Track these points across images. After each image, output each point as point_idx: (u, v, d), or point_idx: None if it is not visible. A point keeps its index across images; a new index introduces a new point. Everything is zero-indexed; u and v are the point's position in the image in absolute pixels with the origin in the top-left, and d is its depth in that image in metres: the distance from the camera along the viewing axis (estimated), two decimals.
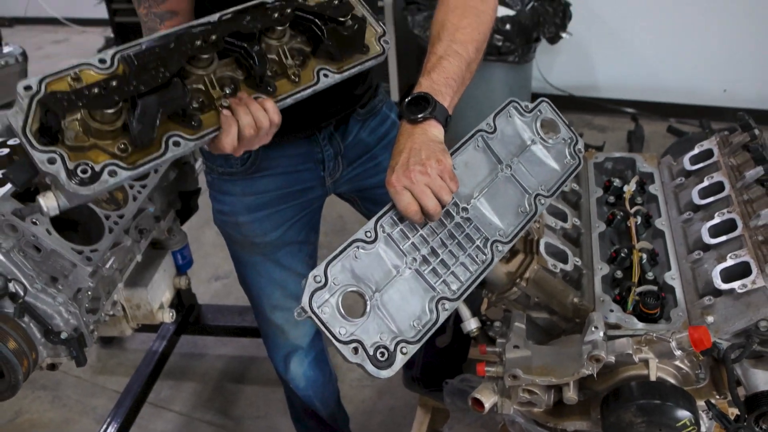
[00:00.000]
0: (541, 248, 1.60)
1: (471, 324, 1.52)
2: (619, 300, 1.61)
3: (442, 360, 2.30)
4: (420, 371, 2.45)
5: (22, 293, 1.85)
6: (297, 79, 1.46)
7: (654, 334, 1.40)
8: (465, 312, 1.51)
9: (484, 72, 4.28)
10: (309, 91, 1.47)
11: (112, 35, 6.65)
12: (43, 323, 1.89)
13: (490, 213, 1.50)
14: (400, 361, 1.27)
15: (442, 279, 1.38)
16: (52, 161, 1.14)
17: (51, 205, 1.23)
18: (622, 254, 1.72)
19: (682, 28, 4.89)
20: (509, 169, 1.57)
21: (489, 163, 1.55)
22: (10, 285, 1.85)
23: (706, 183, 1.81)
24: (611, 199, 1.94)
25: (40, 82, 1.19)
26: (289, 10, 1.44)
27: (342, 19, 1.49)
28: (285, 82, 1.45)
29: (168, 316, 2.49)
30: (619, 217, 1.85)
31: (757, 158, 1.76)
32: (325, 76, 1.50)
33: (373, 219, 1.37)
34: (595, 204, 1.91)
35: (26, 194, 1.91)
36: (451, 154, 1.47)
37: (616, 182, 1.98)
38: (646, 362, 1.41)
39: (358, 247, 1.33)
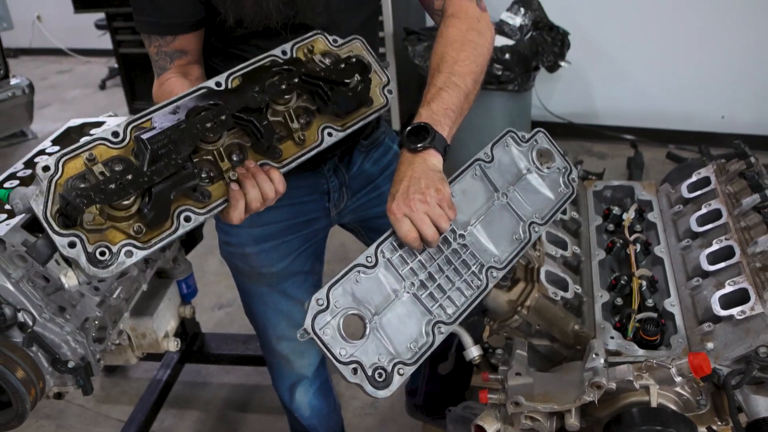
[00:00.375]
0: (542, 276, 1.63)
1: (473, 351, 1.54)
2: (620, 327, 1.63)
3: (444, 387, 2.31)
4: (423, 399, 2.46)
5: (30, 323, 1.88)
6: (302, 141, 1.51)
7: (654, 361, 1.42)
8: (467, 340, 1.53)
9: (485, 100, 4.32)
10: (314, 152, 1.52)
11: (116, 65, 6.73)
12: (50, 352, 1.92)
13: (486, 240, 1.54)
14: (397, 381, 1.31)
15: (438, 303, 1.43)
16: (72, 245, 1.19)
17: (72, 283, 1.31)
18: (622, 281, 1.75)
19: (680, 55, 4.93)
20: (505, 197, 1.61)
21: (486, 191, 1.59)
22: (19, 315, 1.87)
23: (703, 210, 1.84)
24: (610, 227, 1.97)
25: (57, 162, 1.23)
26: (296, 80, 1.48)
27: (348, 81, 1.54)
28: (290, 144, 1.49)
29: (173, 345, 2.51)
30: (618, 244, 1.87)
31: (753, 186, 1.79)
32: (329, 135, 1.54)
33: (374, 245, 1.42)
34: (595, 232, 1.94)
35: (36, 225, 1.93)
36: (450, 183, 1.52)
37: (615, 210, 2.00)
38: (647, 388, 1.42)
39: (359, 272, 1.38)
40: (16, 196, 1.28)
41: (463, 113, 1.62)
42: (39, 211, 1.19)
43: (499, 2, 4.81)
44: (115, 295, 2.13)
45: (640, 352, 1.54)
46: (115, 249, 1.23)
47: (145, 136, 1.28)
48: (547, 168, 1.70)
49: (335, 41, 1.62)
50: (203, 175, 1.37)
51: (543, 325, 1.60)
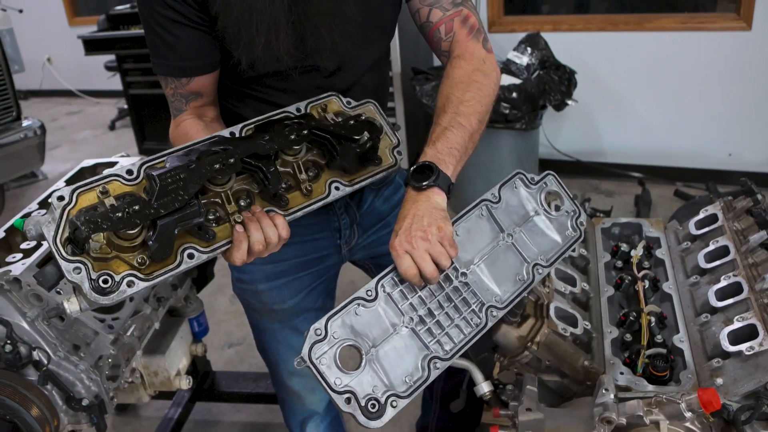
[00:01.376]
0: (552, 312, 1.65)
1: (484, 387, 1.56)
2: (629, 363, 1.64)
3: (455, 425, 2.32)
4: None
5: (45, 361, 1.90)
6: (309, 192, 1.54)
7: (664, 396, 1.43)
8: (478, 376, 1.55)
9: (492, 139, 4.35)
10: (320, 203, 1.56)
11: (125, 106, 6.80)
12: (65, 390, 1.93)
13: (489, 279, 1.55)
14: (389, 413, 1.34)
15: (436, 339, 1.44)
16: (77, 271, 1.24)
17: (74, 308, 1.33)
18: (631, 317, 1.76)
19: (687, 93, 4.96)
20: (511, 237, 1.61)
21: (491, 231, 1.60)
22: (34, 353, 1.89)
23: (711, 247, 1.86)
24: (619, 263, 1.99)
25: (72, 193, 1.28)
26: (305, 132, 1.52)
27: (357, 137, 1.57)
28: (297, 195, 1.53)
29: (185, 383, 2.51)
30: (627, 281, 1.89)
31: (760, 222, 1.82)
32: (336, 189, 1.58)
33: (375, 279, 1.45)
34: (604, 268, 1.95)
35: None
36: (455, 222, 1.54)
37: (624, 247, 2.02)
38: (656, 424, 1.42)
39: (358, 305, 1.41)
40: (30, 223, 1.33)
41: (468, 152, 1.64)
42: (49, 237, 1.23)
43: (506, 42, 4.87)
44: (128, 333, 2.15)
45: (650, 387, 1.55)
46: (117, 278, 1.27)
47: (155, 173, 1.33)
48: (556, 211, 1.71)
49: (349, 103, 1.67)
50: (210, 216, 1.41)
51: (553, 361, 1.62)
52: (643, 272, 1.91)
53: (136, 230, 1.29)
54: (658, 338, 1.72)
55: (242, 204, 1.46)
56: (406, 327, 1.43)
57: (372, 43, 1.79)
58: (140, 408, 3.47)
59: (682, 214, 4.28)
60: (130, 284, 1.28)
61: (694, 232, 1.98)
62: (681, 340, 1.68)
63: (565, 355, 1.61)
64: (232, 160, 1.40)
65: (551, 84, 4.45)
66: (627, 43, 4.99)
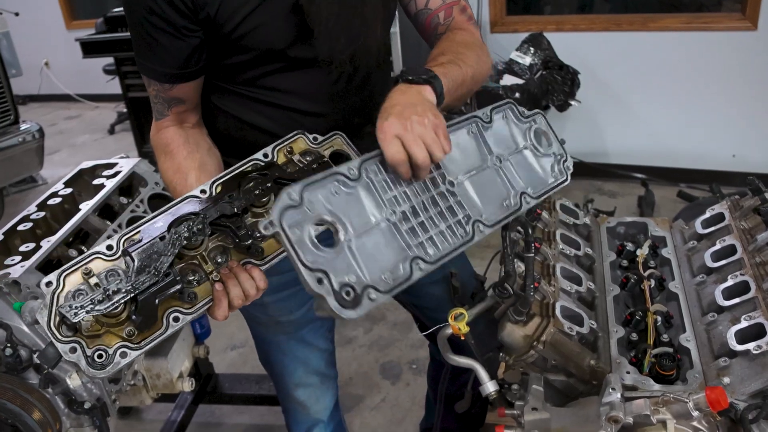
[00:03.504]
0: (557, 311, 1.63)
1: (489, 387, 1.54)
2: (635, 362, 1.62)
3: (460, 425, 2.30)
4: None
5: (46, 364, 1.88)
6: None
7: (671, 395, 1.41)
8: (483, 375, 1.53)
9: None
10: (295, 246, 1.55)
11: (124, 110, 6.77)
12: (66, 393, 1.92)
13: (475, 196, 1.47)
14: (366, 306, 1.21)
15: (419, 241, 1.33)
16: (73, 350, 1.31)
17: (77, 384, 1.48)
18: (637, 317, 1.74)
19: (691, 94, 4.95)
20: (499, 161, 1.54)
21: (479, 152, 1.54)
22: (35, 356, 1.88)
23: (718, 246, 1.84)
24: (624, 262, 1.97)
25: (59, 277, 1.34)
26: (269, 184, 1.54)
27: None
28: (272, 242, 1.53)
29: (187, 385, 2.50)
30: (633, 280, 1.87)
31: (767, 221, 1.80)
32: None
33: (359, 158, 1.34)
34: (609, 268, 1.94)
35: (49, 266, 1.95)
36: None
37: (629, 246, 2.01)
38: (664, 423, 1.40)
39: (338, 182, 1.28)
40: (26, 310, 1.55)
41: (460, 90, 1.58)
42: (44, 323, 1.30)
43: (508, 42, 4.86)
44: None
45: (657, 386, 1.53)
46: (111, 351, 1.33)
47: (131, 249, 1.37)
48: (544, 149, 1.65)
49: (315, 139, 1.63)
50: (190, 278, 1.45)
51: (559, 360, 1.60)
52: (649, 271, 1.89)
53: (119, 308, 1.35)
54: (665, 337, 1.70)
55: (219, 261, 1.49)
56: (387, 220, 1.31)
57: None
58: (142, 411, 3.46)
59: (687, 214, 4.28)
60: (123, 355, 1.34)
61: (701, 231, 1.97)
62: (688, 339, 1.66)
63: (571, 354, 1.59)
64: (200, 227, 1.43)
65: (554, 84, 4.44)
66: (631, 43, 4.98)
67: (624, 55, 5.00)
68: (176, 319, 1.40)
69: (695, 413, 1.39)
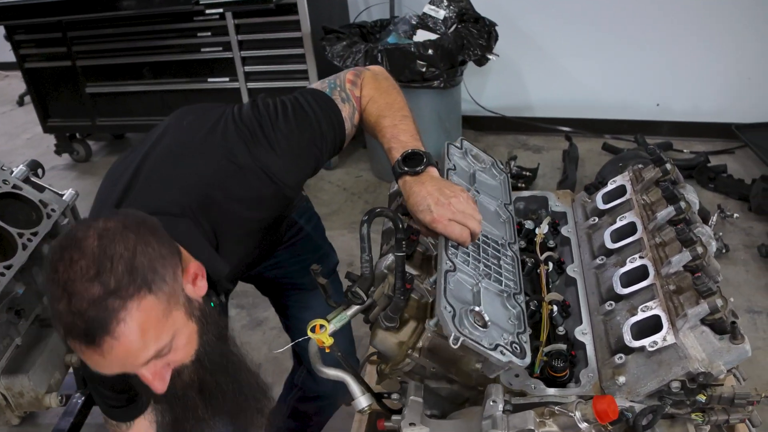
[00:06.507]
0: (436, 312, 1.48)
1: (362, 402, 1.40)
2: None
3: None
4: None
5: None
6: None
7: (556, 408, 1.29)
8: (355, 389, 1.38)
9: (410, 99, 4.10)
10: None
11: None
12: None
13: (489, 227, 1.64)
14: (527, 348, 1.36)
15: (504, 282, 1.50)
16: None
17: None
18: (532, 307, 1.61)
19: (613, 43, 4.83)
20: (478, 193, 1.72)
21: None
22: None
23: (618, 224, 1.72)
24: (522, 243, 1.83)
25: None
26: None
27: None
28: None
29: (55, 402, 2.32)
30: (529, 264, 1.74)
31: (668, 197, 1.67)
32: None
33: (443, 252, 1.46)
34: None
35: None
36: None
37: (528, 224, 1.87)
38: None
39: (447, 279, 1.39)
40: None
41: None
42: None
43: None
44: None
45: (548, 391, 1.41)
46: None
47: None
48: (483, 163, 1.86)
49: None
50: None
51: (439, 368, 1.44)
52: (546, 254, 1.76)
53: None
54: (560, 330, 1.59)
55: None
56: (480, 283, 1.45)
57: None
58: (39, 416, 3.23)
59: (610, 170, 4.15)
60: None
61: (602, 206, 1.84)
62: (584, 332, 1.54)
63: (453, 359, 1.42)
64: None
65: (470, 38, 4.24)
66: None
67: (542, 5, 4.83)
68: None
69: (583, 425, 1.27)
